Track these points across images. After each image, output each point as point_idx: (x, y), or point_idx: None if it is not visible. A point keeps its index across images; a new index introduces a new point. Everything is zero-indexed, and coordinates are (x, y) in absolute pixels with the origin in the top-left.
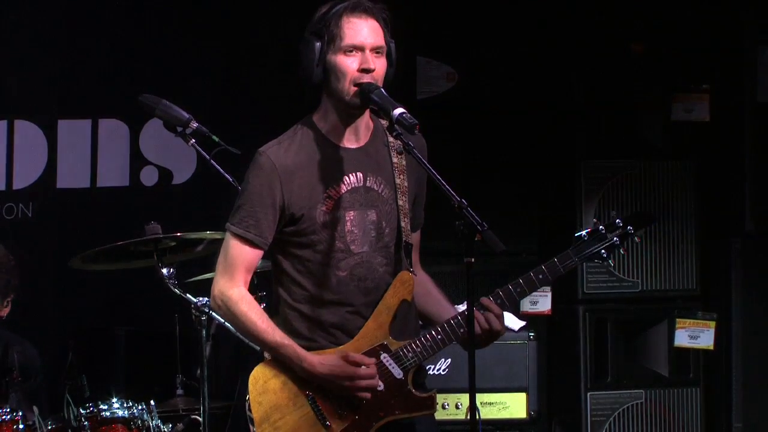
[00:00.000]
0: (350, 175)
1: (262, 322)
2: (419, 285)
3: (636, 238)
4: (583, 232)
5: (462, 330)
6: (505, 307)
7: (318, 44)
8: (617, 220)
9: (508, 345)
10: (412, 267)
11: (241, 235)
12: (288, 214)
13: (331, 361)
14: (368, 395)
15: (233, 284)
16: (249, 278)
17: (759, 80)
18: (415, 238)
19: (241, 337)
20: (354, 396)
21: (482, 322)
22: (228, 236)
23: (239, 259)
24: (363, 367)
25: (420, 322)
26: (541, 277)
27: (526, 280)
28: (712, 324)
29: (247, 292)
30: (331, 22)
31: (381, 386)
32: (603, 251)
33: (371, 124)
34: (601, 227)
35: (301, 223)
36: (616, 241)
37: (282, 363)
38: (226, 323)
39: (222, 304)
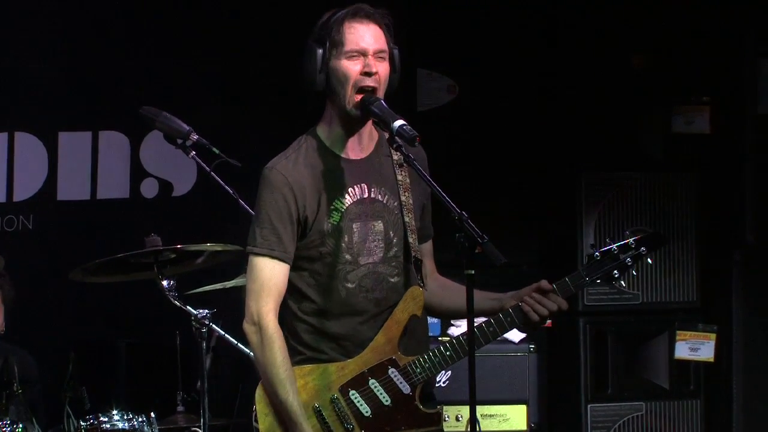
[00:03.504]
0: (355, 186)
1: (285, 370)
2: (438, 288)
3: (648, 260)
4: (596, 252)
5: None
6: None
7: (320, 51)
8: (630, 241)
9: (509, 357)
10: (423, 280)
11: (267, 255)
12: (301, 227)
13: None
14: None
15: (269, 309)
16: (281, 300)
17: (759, 92)
18: (427, 247)
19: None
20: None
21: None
22: (254, 260)
23: (272, 281)
24: None
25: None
26: None
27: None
28: (713, 336)
29: (280, 329)
30: (333, 29)
31: (388, 401)
32: (615, 272)
33: (375, 135)
34: (614, 247)
35: (310, 236)
36: (629, 262)
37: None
38: (250, 351)
39: (257, 330)
